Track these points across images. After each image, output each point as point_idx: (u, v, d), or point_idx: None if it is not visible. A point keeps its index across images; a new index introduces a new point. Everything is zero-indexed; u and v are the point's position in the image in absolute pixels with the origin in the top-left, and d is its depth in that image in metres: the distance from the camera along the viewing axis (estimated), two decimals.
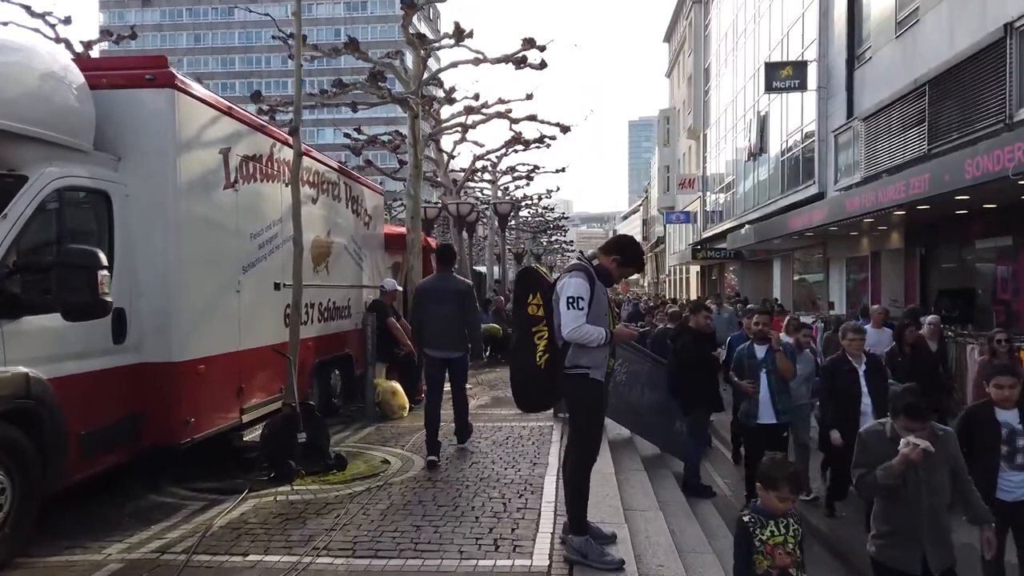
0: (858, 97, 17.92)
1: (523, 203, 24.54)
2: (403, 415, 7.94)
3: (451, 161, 14.23)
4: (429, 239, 11.77)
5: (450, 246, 7.27)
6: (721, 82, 33.45)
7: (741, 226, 25.95)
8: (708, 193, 36.02)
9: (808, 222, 16.12)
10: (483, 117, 11.03)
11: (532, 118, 10.69)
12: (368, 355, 7.92)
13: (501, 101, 11.84)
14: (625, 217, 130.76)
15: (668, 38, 51.72)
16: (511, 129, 11.17)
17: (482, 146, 15.24)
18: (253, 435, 5.96)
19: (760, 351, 6.26)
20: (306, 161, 7.27)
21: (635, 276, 77.61)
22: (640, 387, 7.61)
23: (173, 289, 4.92)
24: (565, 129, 10.15)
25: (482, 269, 20.20)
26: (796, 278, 23.79)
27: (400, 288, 8.96)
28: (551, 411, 7.86)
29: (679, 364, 6.92)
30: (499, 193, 18.71)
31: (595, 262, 4.01)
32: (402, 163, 13.21)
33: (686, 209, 41.75)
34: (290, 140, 6.32)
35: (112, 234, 4.68)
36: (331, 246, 7.91)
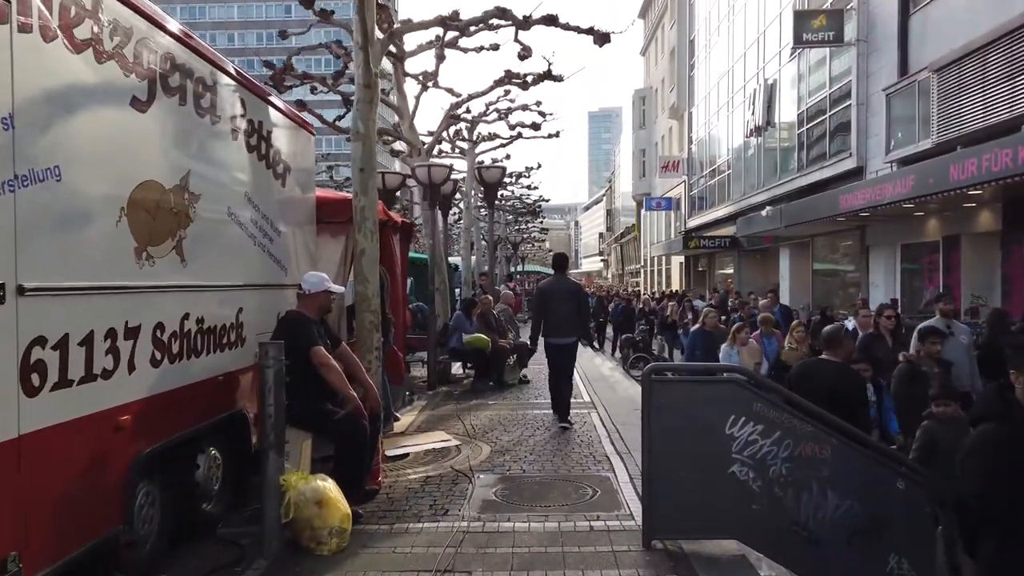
0: (916, 48, 14.62)
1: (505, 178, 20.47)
2: (342, 544, 3.96)
3: (418, 106, 10.10)
4: (392, 213, 7.83)
5: (564, 254, 8.25)
6: (712, 53, 30.29)
7: (745, 211, 22.66)
8: (695, 176, 32.75)
9: (876, 197, 12.61)
10: (476, 28, 7.02)
11: (550, 20, 6.68)
12: (266, 422, 3.91)
13: (487, 23, 7.89)
14: (587, 208, 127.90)
15: (643, 13, 48.20)
16: (517, 40, 7.26)
17: (459, 95, 11.26)
18: None
19: None
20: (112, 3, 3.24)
21: (598, 268, 75.06)
22: (817, 487, 3.83)
23: None
24: (602, 38, 6.38)
25: (456, 261, 16.13)
26: (818, 269, 20.50)
27: (337, 289, 4.89)
28: (633, 523, 4.02)
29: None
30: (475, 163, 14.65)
31: None
32: (347, 101, 8.98)
33: (667, 195, 38.43)
34: None
35: None
36: (191, 208, 3.88)
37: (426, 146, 10.56)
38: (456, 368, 11.17)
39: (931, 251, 14.34)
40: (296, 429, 4.46)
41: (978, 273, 12.89)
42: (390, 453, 6.29)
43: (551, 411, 8.16)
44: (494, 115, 11.67)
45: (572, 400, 8.80)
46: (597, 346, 19.46)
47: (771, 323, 7.84)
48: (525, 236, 36.21)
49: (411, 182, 11.50)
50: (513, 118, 11.55)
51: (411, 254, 17.03)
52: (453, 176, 11.05)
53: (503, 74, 9.61)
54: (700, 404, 3.93)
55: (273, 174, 5.24)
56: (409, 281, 14.91)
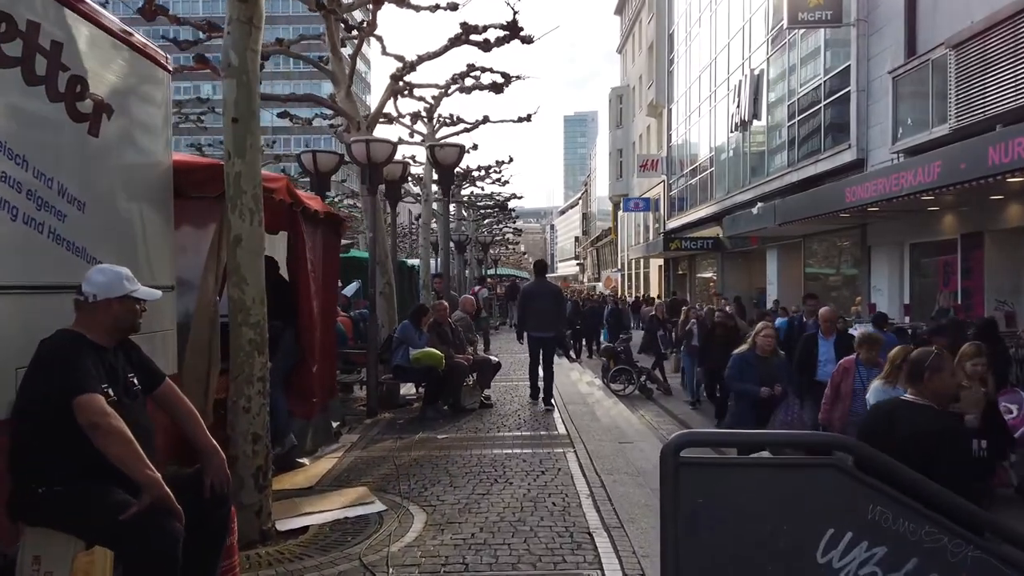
0: (926, 25, 13.22)
1: (471, 173, 18.51)
2: None
3: (356, 68, 8.16)
4: (308, 197, 5.97)
5: (543, 260, 9.76)
6: (692, 46, 28.97)
7: (730, 210, 21.14)
8: (674, 175, 31.34)
9: (892, 188, 11.03)
10: None
11: None
12: None
13: None
14: (563, 212, 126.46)
15: (620, 9, 46.80)
16: None
17: (408, 63, 9.37)
18: None
19: None
20: None
21: (574, 272, 73.76)
22: None
23: None
24: None
25: (414, 262, 14.23)
26: (810, 272, 18.98)
27: (147, 295, 2.92)
28: None
29: None
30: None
31: None
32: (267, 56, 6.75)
33: (645, 195, 36.95)
34: None
35: None
36: None
37: (368, 119, 8.66)
38: (407, 388, 9.28)
39: (946, 250, 12.84)
40: (61, 534, 2.58)
41: (1003, 275, 11.42)
42: (283, 527, 4.40)
43: (517, 449, 6.42)
44: (451, 84, 9.79)
45: (544, 433, 7.08)
46: (574, 356, 17.61)
47: (875, 346, 5.04)
48: (497, 237, 34.31)
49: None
50: (471, 84, 9.63)
51: (358, 252, 15.17)
52: (400, 159, 9.19)
53: (460, 30, 7.79)
54: (770, 507, 2.13)
55: (70, 114, 3.34)
56: (358, 284, 13.05)
